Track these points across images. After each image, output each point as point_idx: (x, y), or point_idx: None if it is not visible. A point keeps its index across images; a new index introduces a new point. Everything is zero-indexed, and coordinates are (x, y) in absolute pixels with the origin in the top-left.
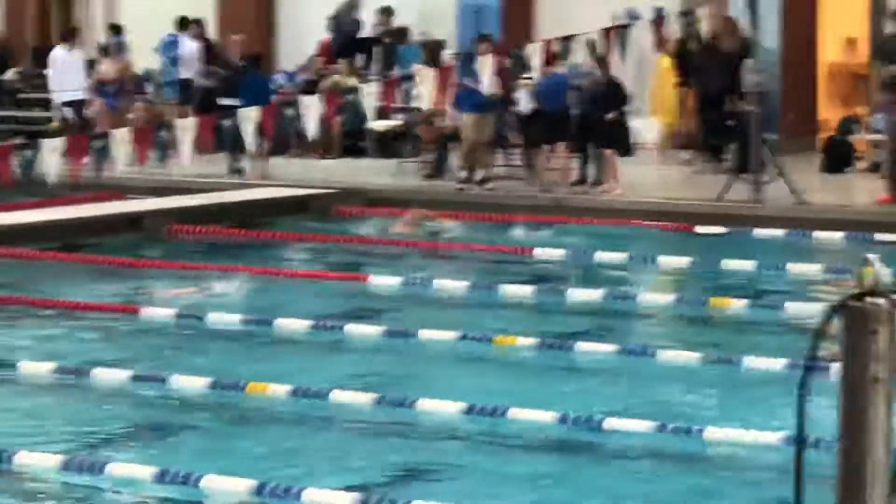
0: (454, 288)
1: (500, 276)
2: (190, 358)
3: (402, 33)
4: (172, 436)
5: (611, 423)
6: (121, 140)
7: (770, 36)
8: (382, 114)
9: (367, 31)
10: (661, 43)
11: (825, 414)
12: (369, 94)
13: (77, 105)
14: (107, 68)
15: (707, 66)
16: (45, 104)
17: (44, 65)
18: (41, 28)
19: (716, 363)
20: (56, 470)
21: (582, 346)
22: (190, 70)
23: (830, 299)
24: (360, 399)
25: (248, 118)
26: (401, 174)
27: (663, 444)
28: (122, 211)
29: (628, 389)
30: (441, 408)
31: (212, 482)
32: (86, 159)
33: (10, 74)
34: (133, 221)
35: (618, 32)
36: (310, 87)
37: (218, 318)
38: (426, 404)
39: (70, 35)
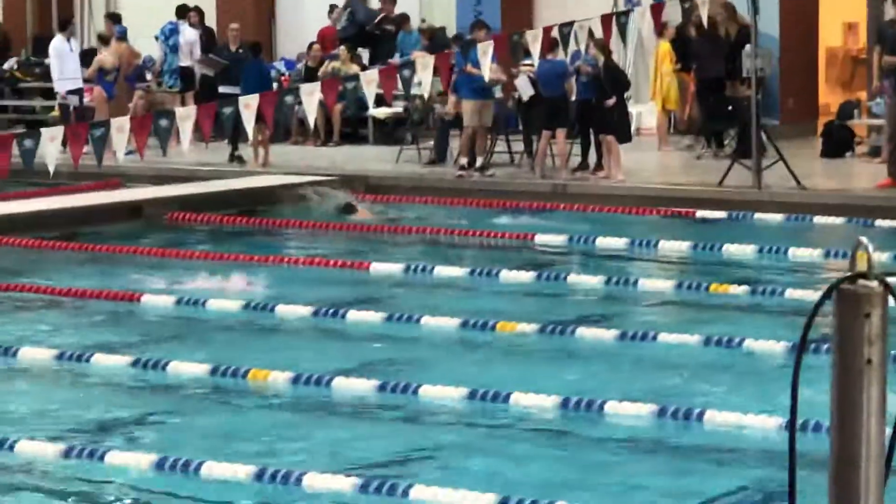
0: (455, 274)
1: (500, 263)
2: (191, 345)
3: (402, 20)
4: (173, 423)
5: (612, 406)
6: (120, 128)
7: (770, 21)
8: (383, 101)
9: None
10: (660, 29)
11: (824, 398)
12: (370, 82)
13: (78, 93)
14: (106, 57)
15: (706, 51)
16: (46, 93)
17: (44, 53)
18: (41, 17)
19: (716, 347)
20: (56, 458)
21: (583, 331)
22: (189, 58)
23: (829, 283)
24: (362, 385)
25: (248, 106)
26: (402, 161)
27: (664, 427)
28: (122, 199)
29: (629, 374)
30: (443, 393)
31: (212, 469)
32: (86, 148)
33: (9, 63)
34: (133, 210)
35: (618, 18)
36: (310, 75)
37: (219, 305)
38: (428, 390)
39: (66, 24)
